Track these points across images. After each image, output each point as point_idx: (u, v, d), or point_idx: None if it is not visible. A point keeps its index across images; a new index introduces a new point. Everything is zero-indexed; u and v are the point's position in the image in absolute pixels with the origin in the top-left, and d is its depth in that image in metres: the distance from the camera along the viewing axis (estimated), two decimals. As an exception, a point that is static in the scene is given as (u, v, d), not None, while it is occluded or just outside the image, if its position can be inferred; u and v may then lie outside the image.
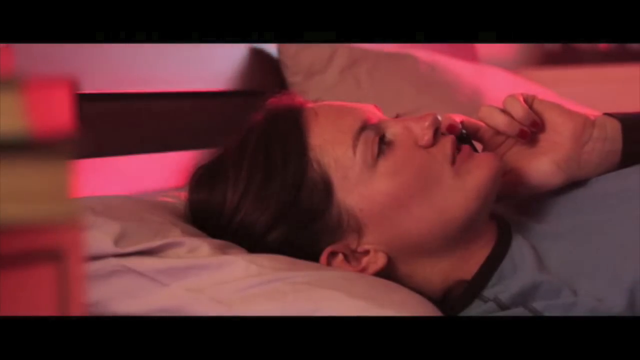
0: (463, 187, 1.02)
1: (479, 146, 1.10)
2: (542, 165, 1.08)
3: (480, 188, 1.02)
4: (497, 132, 1.08)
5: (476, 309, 1.03)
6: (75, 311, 0.53)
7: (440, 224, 1.02)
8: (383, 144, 1.03)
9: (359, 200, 1.02)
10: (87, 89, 1.28)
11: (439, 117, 1.05)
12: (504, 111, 1.07)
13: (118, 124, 1.38)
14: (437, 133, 1.04)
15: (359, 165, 1.02)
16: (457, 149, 1.04)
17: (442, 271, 1.05)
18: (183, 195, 1.11)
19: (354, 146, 1.02)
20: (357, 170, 1.02)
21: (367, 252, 1.03)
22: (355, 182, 1.02)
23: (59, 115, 0.51)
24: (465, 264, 1.05)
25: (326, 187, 1.01)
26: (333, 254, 1.02)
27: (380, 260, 1.02)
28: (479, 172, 1.03)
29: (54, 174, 0.51)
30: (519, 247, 1.06)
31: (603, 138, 1.07)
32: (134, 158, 1.38)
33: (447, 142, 1.04)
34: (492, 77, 1.96)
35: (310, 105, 1.08)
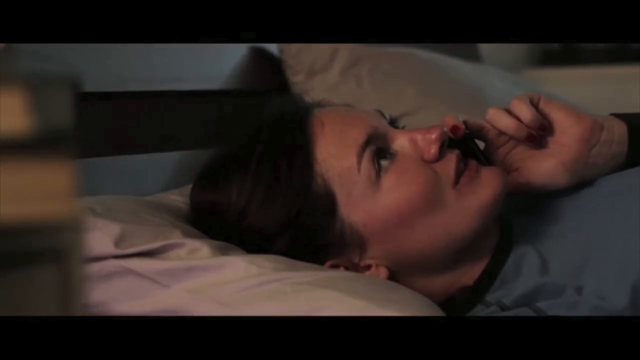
0: (467, 207, 1.01)
1: (480, 144, 1.10)
2: (549, 166, 1.07)
3: (484, 208, 1.02)
4: (502, 132, 1.07)
5: (479, 313, 1.03)
6: (76, 312, 0.53)
7: (443, 241, 1.02)
8: (388, 153, 1.02)
9: (363, 216, 1.01)
10: (87, 89, 1.28)
11: (445, 129, 1.04)
12: (511, 114, 1.06)
13: (118, 124, 1.38)
14: (444, 147, 1.03)
15: (363, 181, 1.01)
16: (463, 163, 1.03)
17: (444, 282, 1.05)
18: (185, 194, 1.11)
19: (359, 162, 1.01)
20: (361, 186, 1.01)
21: (368, 267, 1.03)
22: (360, 197, 1.01)
23: (59, 115, 0.51)
24: (468, 272, 1.05)
25: (330, 203, 1.01)
26: (334, 267, 1.02)
27: (381, 275, 1.02)
28: (483, 192, 1.02)
29: (54, 174, 0.51)
30: (523, 251, 1.06)
31: (610, 141, 1.07)
32: (134, 158, 1.38)
33: (452, 161, 1.03)
34: (493, 77, 1.96)
35: (317, 111, 1.06)
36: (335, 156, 1.01)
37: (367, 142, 1.01)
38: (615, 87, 2.27)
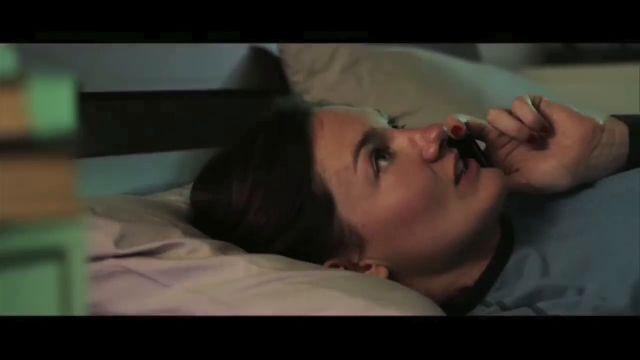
0: (467, 210, 1.01)
1: (481, 144, 1.10)
2: (550, 168, 1.07)
3: (484, 210, 1.02)
4: (503, 133, 1.07)
5: (479, 314, 1.03)
6: (77, 311, 0.53)
7: (443, 242, 1.02)
8: (388, 153, 1.02)
9: (362, 216, 1.01)
10: (88, 89, 1.28)
11: (445, 128, 1.04)
12: (512, 115, 1.06)
13: (118, 124, 1.38)
14: (443, 146, 1.03)
15: (361, 181, 1.00)
16: (463, 163, 1.03)
17: (444, 282, 1.05)
18: (186, 194, 1.11)
19: (355, 161, 1.01)
20: (359, 186, 1.01)
21: (368, 267, 1.03)
22: (358, 198, 1.01)
23: (60, 114, 0.51)
24: (469, 272, 1.05)
25: (328, 203, 1.01)
26: (334, 267, 1.02)
27: (381, 275, 1.02)
28: (483, 194, 1.02)
29: (54, 173, 0.51)
30: (524, 252, 1.05)
31: (611, 144, 1.07)
32: (134, 158, 1.38)
33: (450, 161, 1.02)
34: (493, 77, 1.96)
35: (317, 110, 1.06)
36: (332, 156, 1.01)
37: (364, 142, 1.01)
38: (615, 87, 2.27)
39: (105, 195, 1.13)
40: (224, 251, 0.99)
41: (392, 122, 1.07)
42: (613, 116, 1.10)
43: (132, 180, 1.33)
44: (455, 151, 1.04)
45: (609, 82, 2.39)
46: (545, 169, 1.07)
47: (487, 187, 1.02)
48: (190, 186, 1.10)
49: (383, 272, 1.02)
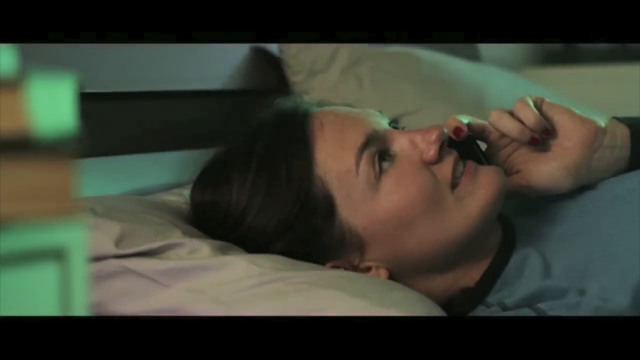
0: (465, 210, 1.01)
1: (482, 145, 1.10)
2: (551, 170, 1.07)
3: (483, 210, 1.02)
4: (504, 135, 1.07)
5: (480, 314, 1.03)
6: (77, 311, 0.53)
7: (442, 243, 1.02)
8: (388, 155, 1.02)
9: (362, 218, 1.01)
10: (88, 89, 1.28)
11: (446, 129, 1.04)
12: (514, 116, 1.05)
13: (118, 124, 1.38)
14: (443, 147, 1.03)
15: (362, 184, 1.00)
16: (462, 164, 1.03)
17: (444, 283, 1.05)
18: (186, 194, 1.11)
19: (357, 164, 1.01)
20: (360, 189, 1.00)
21: (369, 269, 1.03)
22: (359, 200, 1.01)
23: (60, 114, 0.51)
24: (469, 273, 1.05)
25: (329, 205, 1.01)
26: (335, 268, 1.02)
27: (381, 276, 1.02)
28: (481, 192, 1.02)
29: (55, 173, 0.51)
30: (525, 253, 1.05)
31: (613, 146, 1.07)
32: (134, 158, 1.38)
33: (449, 163, 1.02)
34: (493, 77, 1.96)
35: (316, 111, 1.06)
36: (333, 158, 1.01)
37: (366, 144, 1.01)
38: (615, 87, 2.27)
39: (105, 195, 1.13)
40: (224, 251, 0.99)
41: (393, 122, 1.07)
42: (614, 118, 1.10)
43: (132, 180, 1.33)
44: (454, 153, 1.03)
45: (609, 82, 2.38)
46: (546, 170, 1.07)
47: (484, 186, 1.02)
48: (190, 186, 1.10)
49: (383, 273, 1.02)
